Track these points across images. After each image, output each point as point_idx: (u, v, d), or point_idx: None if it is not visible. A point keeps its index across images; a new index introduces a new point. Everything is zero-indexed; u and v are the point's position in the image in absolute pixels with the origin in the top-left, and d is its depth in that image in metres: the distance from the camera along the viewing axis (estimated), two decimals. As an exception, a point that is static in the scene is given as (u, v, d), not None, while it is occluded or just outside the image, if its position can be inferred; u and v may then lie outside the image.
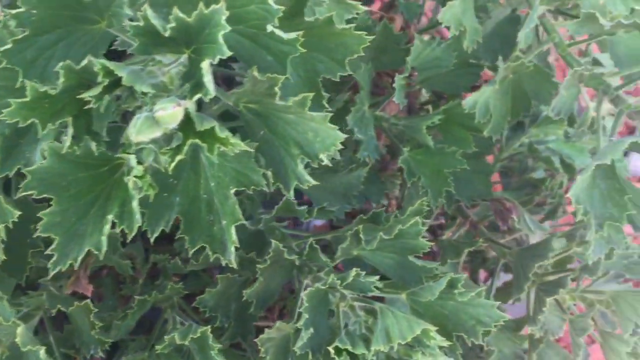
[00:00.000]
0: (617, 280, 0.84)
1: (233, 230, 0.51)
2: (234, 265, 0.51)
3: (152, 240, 0.50)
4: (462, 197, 0.80)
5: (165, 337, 0.61)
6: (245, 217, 0.52)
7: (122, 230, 0.57)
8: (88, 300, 0.59)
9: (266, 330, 0.62)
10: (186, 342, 0.60)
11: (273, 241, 0.62)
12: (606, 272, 0.82)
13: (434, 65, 0.76)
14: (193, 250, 0.51)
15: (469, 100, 0.71)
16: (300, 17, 0.52)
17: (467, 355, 0.90)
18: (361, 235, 0.63)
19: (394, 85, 0.72)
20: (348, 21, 0.67)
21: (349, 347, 0.59)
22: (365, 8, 0.83)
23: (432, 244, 0.65)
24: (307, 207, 0.67)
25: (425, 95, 0.93)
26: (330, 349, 0.59)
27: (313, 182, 0.51)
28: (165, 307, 0.70)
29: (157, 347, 0.61)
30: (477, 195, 0.80)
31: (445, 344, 0.61)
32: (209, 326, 0.63)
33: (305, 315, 0.59)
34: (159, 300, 0.68)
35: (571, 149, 0.99)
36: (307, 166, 0.69)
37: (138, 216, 0.45)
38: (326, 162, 0.51)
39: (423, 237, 0.70)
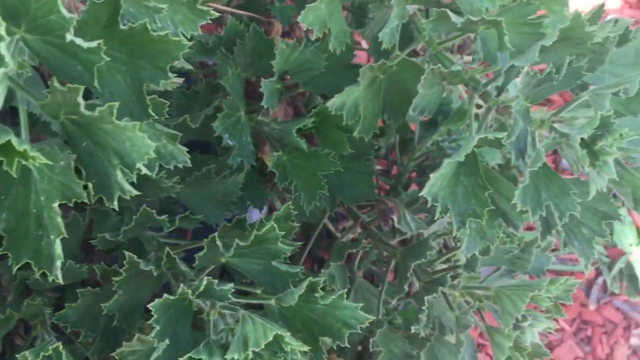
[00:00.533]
0: (510, 275, 0.84)
1: (59, 245, 0.50)
2: (60, 280, 0.51)
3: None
4: (346, 199, 0.80)
5: (18, 355, 0.60)
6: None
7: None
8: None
9: (124, 343, 0.62)
10: (39, 360, 0.59)
11: (126, 253, 0.62)
12: (498, 268, 0.83)
13: (306, 68, 0.76)
14: (17, 267, 0.51)
15: (336, 101, 0.71)
16: (117, 25, 0.51)
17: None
18: (217, 243, 0.63)
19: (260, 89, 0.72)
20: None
21: (204, 357, 0.59)
22: (241, 12, 0.84)
23: (292, 248, 0.65)
24: (168, 216, 0.67)
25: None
26: None
27: (135, 192, 0.51)
28: (35, 324, 0.69)
29: (11, 366, 0.60)
30: (361, 196, 0.80)
31: (305, 348, 0.61)
32: (78, 341, 0.62)
33: (157, 327, 0.59)
34: (26, 316, 0.67)
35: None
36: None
37: None
38: (145, 171, 0.50)
39: (294, 239, 0.70)
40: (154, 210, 0.65)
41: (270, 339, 0.58)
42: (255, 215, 1.02)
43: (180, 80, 0.67)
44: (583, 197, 0.71)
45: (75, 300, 0.70)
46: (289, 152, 0.77)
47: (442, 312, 0.82)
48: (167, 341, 0.60)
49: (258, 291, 0.69)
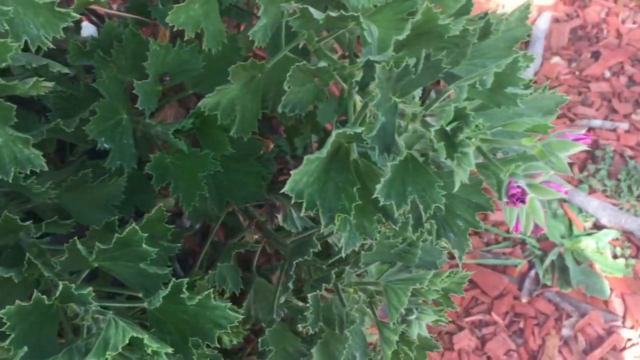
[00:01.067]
0: (408, 270, 0.84)
1: None
2: None
3: None
4: (235, 200, 0.80)
5: None
6: None
7: None
8: None
9: (-14, 350, 0.61)
10: None
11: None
12: (393, 264, 0.83)
13: (185, 69, 0.76)
14: None
15: (209, 101, 0.71)
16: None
17: None
18: (79, 247, 0.62)
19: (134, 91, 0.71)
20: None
21: (63, 363, 0.58)
22: (126, 14, 0.83)
23: (157, 249, 0.64)
24: (34, 222, 0.66)
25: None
26: (38, 366, 0.58)
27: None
28: None
29: None
30: (250, 196, 0.80)
31: (168, 349, 0.61)
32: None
33: (12, 334, 0.58)
34: None
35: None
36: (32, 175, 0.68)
37: None
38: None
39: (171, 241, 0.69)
40: (17, 217, 0.65)
41: (127, 341, 0.58)
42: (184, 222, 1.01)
43: (50, 84, 0.67)
44: (457, 190, 0.72)
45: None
46: (172, 153, 0.76)
47: (336, 310, 0.82)
48: (25, 348, 0.59)
49: (140, 294, 0.69)
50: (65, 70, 0.74)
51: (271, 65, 0.74)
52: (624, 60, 1.69)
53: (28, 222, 0.66)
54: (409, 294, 0.72)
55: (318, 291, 0.74)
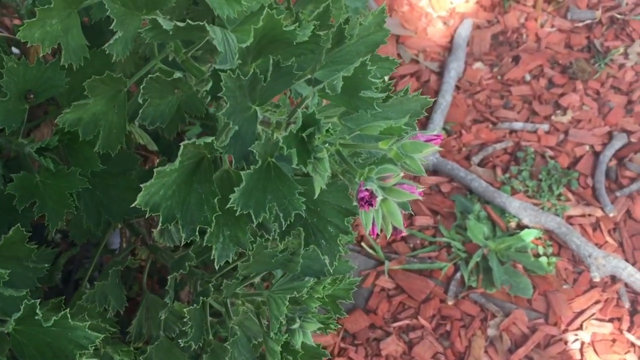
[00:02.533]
0: (301, 279, 0.83)
1: None
2: None
3: None
4: (114, 217, 0.79)
5: None
6: None
7: None
8: None
9: None
10: None
11: None
12: (284, 274, 0.82)
13: (50, 86, 0.74)
14: None
15: (68, 116, 0.69)
16: None
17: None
18: None
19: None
20: None
21: None
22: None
23: (8, 271, 0.63)
24: None
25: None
26: None
27: None
28: None
29: None
30: (130, 212, 0.78)
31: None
32: None
33: None
34: None
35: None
36: None
37: None
38: None
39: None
40: None
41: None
42: (117, 239, 0.99)
43: None
44: (327, 196, 0.71)
45: None
46: (43, 172, 0.75)
47: (241, 321, 0.81)
48: None
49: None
50: None
51: (138, 79, 0.73)
52: (543, 63, 1.73)
53: None
54: (287, 302, 0.72)
55: (196, 305, 0.72)
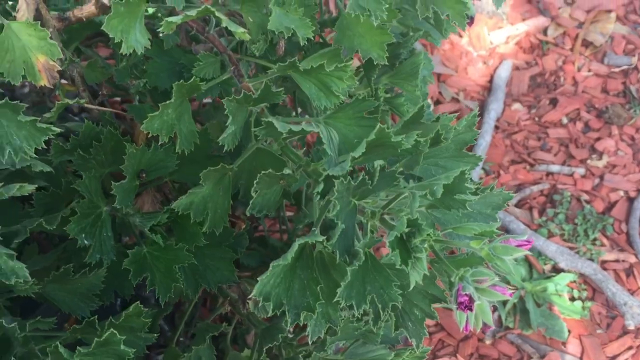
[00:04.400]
0: (373, 345, 0.90)
1: None
2: None
3: None
4: (209, 284, 0.85)
5: None
6: None
7: None
8: None
9: None
10: None
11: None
12: (356, 340, 0.88)
13: (160, 167, 0.81)
14: None
15: (182, 202, 0.76)
16: None
17: None
18: (60, 351, 0.67)
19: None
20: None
21: None
22: (97, 108, 0.88)
23: (134, 350, 0.69)
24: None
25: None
26: None
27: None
28: None
29: None
30: (223, 280, 0.85)
31: None
32: None
33: None
34: None
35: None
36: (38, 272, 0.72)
37: None
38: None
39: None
40: (2, 320, 0.69)
41: None
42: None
43: (32, 187, 0.72)
44: (408, 287, 0.78)
45: None
46: (150, 244, 0.81)
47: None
48: None
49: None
50: (48, 168, 0.79)
51: (240, 163, 0.80)
52: (580, 107, 1.78)
53: (13, 324, 0.70)
54: (372, 374, 0.78)
55: (287, 373, 0.79)
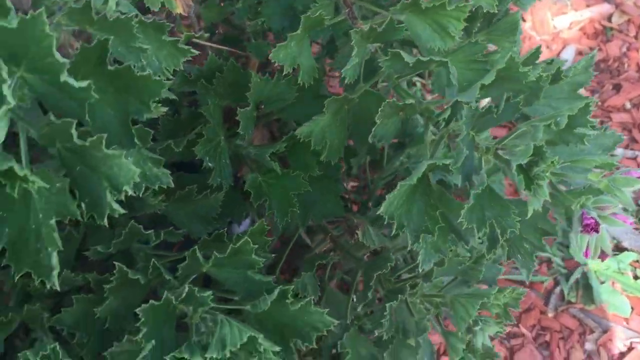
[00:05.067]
0: (467, 284, 0.93)
1: (55, 257, 0.57)
2: (57, 287, 0.58)
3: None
4: (316, 216, 0.89)
5: (19, 354, 0.67)
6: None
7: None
8: None
9: (115, 343, 0.69)
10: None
11: (116, 263, 0.69)
12: (455, 278, 0.91)
13: (278, 99, 0.84)
14: (19, 276, 0.58)
15: (304, 129, 0.79)
16: (105, 65, 0.59)
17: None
18: (198, 255, 0.71)
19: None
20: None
21: (186, 356, 0.67)
22: (221, 46, 0.92)
23: (265, 260, 0.73)
24: (155, 231, 0.74)
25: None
26: (167, 358, 0.66)
27: (122, 211, 0.58)
28: (33, 327, 0.76)
29: (12, 365, 0.68)
30: (330, 213, 0.88)
31: (276, 349, 0.69)
32: (73, 342, 0.69)
33: (143, 329, 0.66)
34: (26, 319, 0.74)
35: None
36: (162, 192, 0.76)
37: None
38: (131, 192, 0.58)
39: (272, 251, 0.78)
40: (141, 225, 0.73)
41: (245, 340, 0.66)
42: (235, 229, 1.10)
43: (166, 109, 0.76)
44: (523, 216, 0.80)
45: (71, 305, 0.77)
46: (264, 173, 0.85)
47: (404, 318, 0.90)
48: (153, 342, 0.67)
49: (236, 298, 0.77)
50: (172, 96, 0.83)
51: (357, 98, 0.83)
52: (644, 92, 1.79)
53: (149, 231, 0.74)
54: (477, 307, 0.81)
55: (395, 302, 0.82)
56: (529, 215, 0.72)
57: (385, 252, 0.85)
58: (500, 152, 0.77)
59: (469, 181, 0.74)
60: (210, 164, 0.81)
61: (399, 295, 0.82)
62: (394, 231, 0.73)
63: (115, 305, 0.72)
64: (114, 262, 0.69)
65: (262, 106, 0.85)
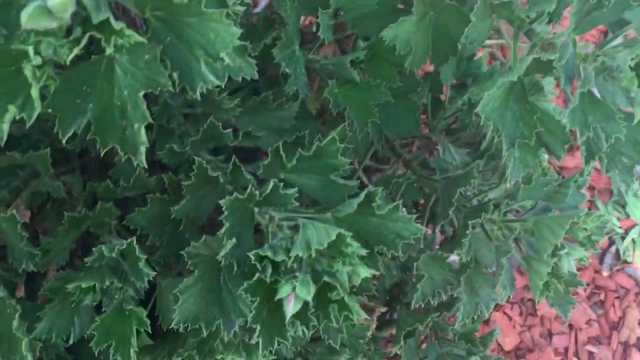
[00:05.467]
0: (545, 213, 0.88)
1: (143, 132, 0.53)
2: (144, 164, 0.54)
3: (64, 140, 0.52)
4: (391, 134, 0.84)
5: (94, 249, 0.63)
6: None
7: (52, 150, 0.60)
8: (14, 211, 0.62)
9: (193, 243, 0.65)
10: (113, 255, 0.63)
11: (196, 158, 0.65)
12: (535, 203, 0.86)
13: (358, 6, 0.80)
14: (105, 151, 0.54)
15: (390, 32, 0.74)
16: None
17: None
18: (281, 152, 0.66)
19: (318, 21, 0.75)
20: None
21: (269, 254, 0.62)
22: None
23: (350, 160, 0.69)
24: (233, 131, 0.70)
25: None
26: (251, 254, 0.61)
27: (217, 81, 0.54)
28: (102, 232, 0.72)
29: (87, 259, 0.64)
30: (406, 132, 0.84)
31: (363, 252, 0.65)
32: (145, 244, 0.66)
33: (226, 224, 0.62)
34: (94, 223, 0.70)
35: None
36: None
37: (37, 104, 0.47)
38: (228, 61, 0.54)
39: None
40: (219, 124, 0.69)
41: (334, 237, 0.62)
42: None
43: (243, 8, 0.71)
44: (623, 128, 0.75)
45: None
46: (340, 84, 0.80)
47: (478, 249, 0.86)
48: (234, 240, 0.63)
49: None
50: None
51: (441, 7, 0.78)
52: None
53: (228, 130, 0.70)
54: (567, 227, 0.76)
55: (476, 220, 0.78)
56: (637, 119, 0.67)
57: (468, 169, 0.80)
58: (599, 59, 0.72)
59: (571, 83, 0.69)
60: (287, 70, 0.76)
61: (483, 213, 0.78)
62: (488, 134, 0.68)
63: (191, 205, 0.68)
64: (194, 157, 0.65)
65: (341, 13, 0.80)
